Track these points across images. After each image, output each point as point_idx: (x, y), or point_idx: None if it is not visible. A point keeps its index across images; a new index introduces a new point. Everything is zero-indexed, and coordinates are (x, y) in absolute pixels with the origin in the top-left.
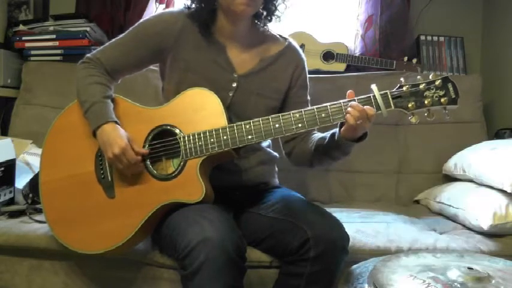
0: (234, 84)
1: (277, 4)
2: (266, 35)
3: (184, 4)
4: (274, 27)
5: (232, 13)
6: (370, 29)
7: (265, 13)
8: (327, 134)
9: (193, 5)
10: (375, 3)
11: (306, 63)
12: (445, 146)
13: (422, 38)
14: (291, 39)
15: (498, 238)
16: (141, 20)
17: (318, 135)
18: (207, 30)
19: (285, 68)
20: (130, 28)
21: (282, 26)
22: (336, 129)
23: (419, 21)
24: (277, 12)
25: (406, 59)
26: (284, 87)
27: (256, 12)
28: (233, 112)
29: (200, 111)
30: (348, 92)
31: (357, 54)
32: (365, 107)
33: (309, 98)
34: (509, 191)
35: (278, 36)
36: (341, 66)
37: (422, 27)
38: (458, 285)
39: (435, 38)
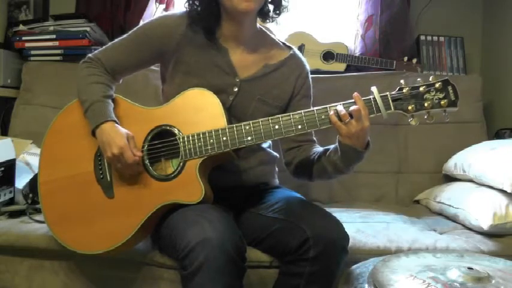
0: (235, 89)
1: None
2: (271, 42)
3: (186, 7)
4: (274, 28)
5: (236, 13)
6: (370, 29)
7: (272, 7)
8: (331, 146)
9: (196, 8)
10: (375, 3)
11: (309, 73)
12: (445, 146)
13: (422, 38)
14: (295, 49)
15: (498, 238)
16: (144, 22)
17: (320, 148)
18: (211, 34)
19: (288, 76)
20: (133, 29)
21: (282, 26)
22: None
23: (419, 21)
24: (284, 3)
25: (406, 59)
26: (287, 95)
27: (263, 10)
28: (233, 116)
29: (200, 112)
30: (354, 94)
31: (357, 54)
32: (351, 108)
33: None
34: (509, 191)
35: (282, 44)
36: (341, 66)
37: (422, 27)
38: (458, 285)
39: (435, 38)
